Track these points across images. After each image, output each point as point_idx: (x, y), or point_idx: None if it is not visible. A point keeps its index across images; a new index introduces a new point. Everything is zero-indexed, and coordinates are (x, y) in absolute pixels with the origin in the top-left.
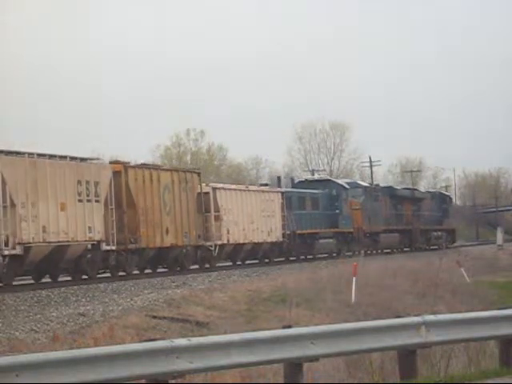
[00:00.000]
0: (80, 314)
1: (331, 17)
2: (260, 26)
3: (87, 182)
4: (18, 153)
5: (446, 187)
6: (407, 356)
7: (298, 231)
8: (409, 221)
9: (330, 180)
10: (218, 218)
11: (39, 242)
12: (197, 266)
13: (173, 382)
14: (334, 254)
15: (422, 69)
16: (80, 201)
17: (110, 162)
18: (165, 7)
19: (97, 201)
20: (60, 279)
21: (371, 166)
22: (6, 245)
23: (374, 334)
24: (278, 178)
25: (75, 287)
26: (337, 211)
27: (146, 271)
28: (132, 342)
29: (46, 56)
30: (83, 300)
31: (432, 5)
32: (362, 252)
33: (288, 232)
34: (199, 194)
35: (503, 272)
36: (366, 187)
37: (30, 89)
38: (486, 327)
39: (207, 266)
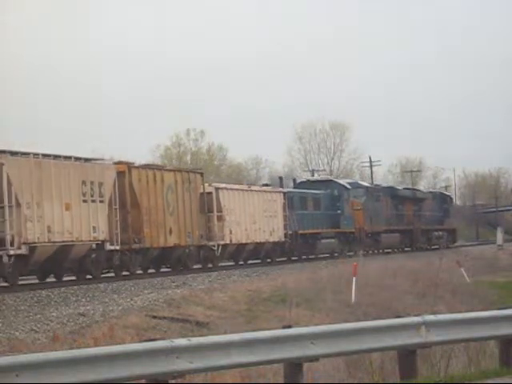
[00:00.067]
0: (80, 314)
1: (331, 17)
2: (260, 26)
3: (91, 183)
4: (23, 153)
5: (446, 187)
6: (407, 356)
7: (300, 231)
8: (410, 221)
9: (331, 180)
10: (220, 218)
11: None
12: (199, 266)
13: (173, 381)
14: (336, 254)
15: (421, 69)
16: (84, 201)
17: (114, 163)
18: (165, 7)
19: (101, 201)
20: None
21: (371, 166)
22: (12, 245)
23: (374, 334)
24: (280, 178)
25: (75, 287)
26: (338, 211)
27: (150, 271)
28: (132, 342)
29: (46, 56)
30: (83, 300)
31: (432, 5)
32: (361, 252)
33: (290, 232)
34: (202, 194)
35: (503, 272)
36: (367, 187)
37: (30, 89)
38: (485, 327)
39: (210, 265)
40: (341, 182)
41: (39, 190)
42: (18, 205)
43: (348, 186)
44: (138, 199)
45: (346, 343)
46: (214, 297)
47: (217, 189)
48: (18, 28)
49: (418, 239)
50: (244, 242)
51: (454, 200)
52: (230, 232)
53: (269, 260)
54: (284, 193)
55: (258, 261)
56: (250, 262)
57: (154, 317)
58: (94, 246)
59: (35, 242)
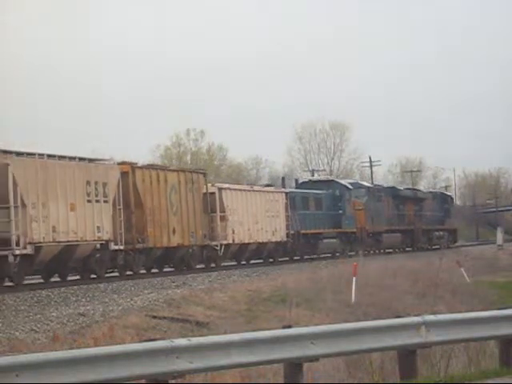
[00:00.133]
0: (80, 314)
1: (331, 17)
2: (260, 26)
3: (96, 183)
4: (28, 154)
5: (446, 187)
6: (407, 356)
7: (302, 231)
8: (411, 221)
9: (333, 180)
10: (223, 218)
11: (49, 242)
12: (202, 266)
13: (173, 381)
14: (338, 254)
15: (421, 69)
16: (89, 201)
17: (118, 163)
18: (165, 7)
19: (105, 201)
20: (56, 279)
21: (371, 166)
22: (17, 244)
23: (374, 334)
24: (283, 178)
25: (75, 287)
26: (340, 211)
27: (153, 271)
28: (132, 342)
29: (46, 56)
30: (83, 300)
31: (432, 5)
32: (361, 252)
33: (292, 232)
34: (205, 194)
35: (503, 272)
36: (369, 187)
37: (30, 89)
38: (485, 327)
39: (213, 265)
40: (342, 182)
41: (44, 190)
42: (24, 205)
43: (350, 186)
44: (142, 199)
45: (346, 343)
46: (214, 297)
47: (220, 189)
48: (18, 28)
49: (419, 239)
50: (246, 241)
51: (455, 200)
52: (233, 232)
53: (271, 260)
54: (286, 193)
55: (261, 261)
56: (252, 261)
57: (154, 317)
58: (98, 245)
59: (40, 242)
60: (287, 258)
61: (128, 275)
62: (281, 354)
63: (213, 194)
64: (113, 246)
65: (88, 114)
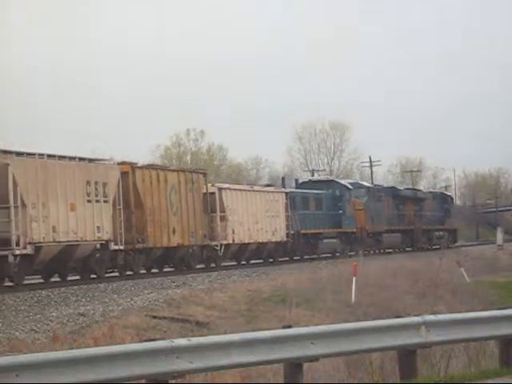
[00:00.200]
0: (80, 314)
1: (331, 17)
2: (260, 26)
3: (96, 183)
4: (28, 154)
5: (446, 187)
6: (407, 356)
7: (302, 231)
8: (411, 221)
9: (333, 180)
10: (223, 218)
11: (49, 242)
12: (202, 266)
13: (173, 381)
14: (338, 254)
15: (421, 69)
16: (89, 201)
17: (118, 163)
18: (165, 7)
19: (105, 201)
20: (56, 279)
21: (371, 166)
22: (17, 244)
23: (374, 334)
24: (283, 178)
25: (75, 287)
26: (340, 211)
27: (153, 271)
28: (132, 342)
29: (46, 56)
30: (83, 300)
31: (432, 5)
32: (361, 252)
33: (292, 232)
34: (205, 194)
35: (503, 272)
36: (369, 188)
37: (30, 89)
38: (485, 327)
39: (213, 265)
40: (342, 182)
41: (44, 190)
42: (24, 205)
43: (350, 186)
44: (142, 199)
45: (346, 343)
46: (214, 297)
47: (220, 189)
48: (18, 28)
49: (419, 239)
50: (247, 241)
51: (455, 200)
52: (233, 232)
53: (271, 260)
54: (286, 193)
55: (261, 261)
56: (252, 261)
57: (154, 317)
58: (98, 245)
59: (40, 242)
60: (287, 258)
61: (128, 275)
62: (281, 354)
63: (213, 193)
64: (113, 246)
65: (88, 114)
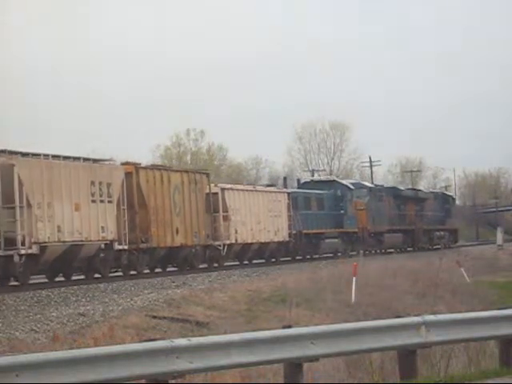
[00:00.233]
0: (80, 314)
1: (331, 17)
2: (260, 26)
3: (100, 183)
4: (33, 154)
5: (446, 187)
6: (407, 356)
7: (304, 231)
8: (412, 221)
9: (335, 181)
10: (226, 218)
11: (54, 242)
12: (205, 266)
13: (173, 381)
14: (339, 254)
15: (421, 69)
16: (93, 201)
17: (122, 163)
18: (165, 7)
19: (109, 201)
20: (58, 279)
21: (371, 166)
22: (23, 244)
23: (374, 334)
24: (285, 178)
25: (75, 287)
26: (342, 211)
27: (156, 270)
28: (132, 342)
29: (46, 56)
30: (83, 300)
31: (432, 5)
32: (361, 252)
33: (294, 232)
34: (208, 194)
35: (503, 272)
36: (370, 188)
37: (30, 89)
38: (486, 327)
39: (216, 265)
40: (344, 182)
41: (49, 190)
42: (29, 205)
43: (351, 187)
44: (146, 199)
45: (346, 343)
46: (214, 297)
47: (222, 189)
48: (18, 28)
49: (420, 239)
50: (249, 241)
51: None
52: (236, 232)
53: (273, 260)
54: (288, 193)
55: (263, 260)
56: (254, 261)
57: (154, 317)
58: (102, 245)
59: (46, 242)
60: (289, 258)
61: (132, 275)
62: (281, 354)
63: (215, 194)
64: (117, 246)
65: (88, 114)
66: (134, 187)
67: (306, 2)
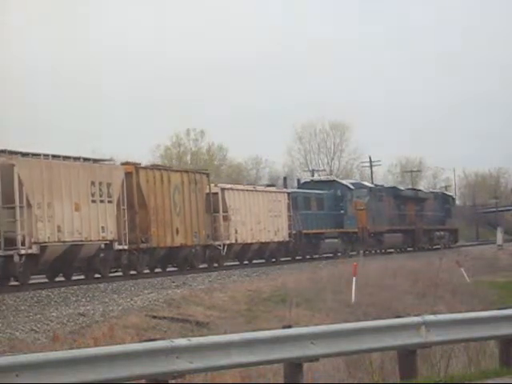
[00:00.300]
0: (80, 314)
1: (331, 17)
2: (260, 26)
3: (100, 183)
4: (33, 154)
5: (446, 187)
6: (407, 356)
7: (304, 231)
8: (412, 221)
9: (335, 181)
10: (226, 218)
11: (54, 242)
12: (205, 266)
13: (173, 381)
14: (339, 254)
15: (421, 69)
16: (93, 201)
17: (122, 163)
18: (165, 7)
19: (109, 201)
20: (58, 279)
21: (371, 166)
22: (23, 244)
23: (374, 334)
24: (285, 178)
25: (75, 287)
26: (342, 211)
27: (156, 270)
28: (132, 342)
29: (46, 56)
30: (83, 300)
31: (432, 5)
32: (361, 252)
33: (294, 232)
34: (208, 194)
35: (503, 272)
36: (370, 188)
37: (30, 89)
38: (486, 327)
39: (215, 265)
40: (344, 182)
41: (49, 190)
42: (29, 205)
43: (351, 187)
44: (146, 199)
45: (346, 343)
46: (214, 297)
47: (222, 189)
48: (18, 28)
49: (420, 239)
50: (249, 241)
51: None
52: (236, 232)
53: (273, 260)
54: (288, 193)
55: (263, 260)
56: (254, 261)
57: (154, 317)
58: (102, 245)
59: (46, 242)
60: (289, 258)
61: (132, 275)
62: (281, 354)
63: (216, 194)
64: (117, 246)
65: (88, 114)
66: (134, 187)
67: (306, 2)
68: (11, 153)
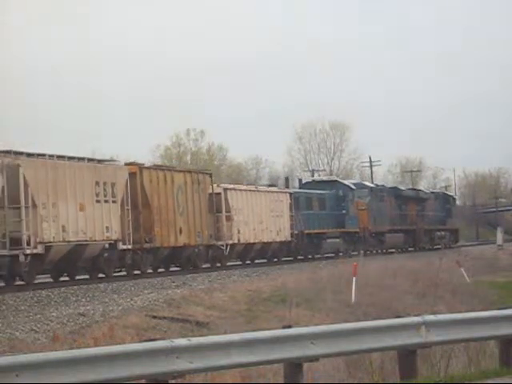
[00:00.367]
0: (80, 314)
1: (331, 17)
2: (260, 26)
3: (104, 183)
4: (39, 154)
5: (446, 187)
6: (407, 356)
7: (306, 231)
8: (413, 221)
9: (336, 181)
10: (229, 218)
11: (59, 242)
12: (208, 265)
13: (173, 381)
14: (341, 254)
15: (421, 69)
16: (98, 201)
17: (126, 164)
18: (165, 7)
19: (114, 201)
20: (63, 279)
21: (371, 166)
22: (28, 244)
23: (374, 334)
24: (286, 178)
25: (75, 287)
26: (343, 211)
27: (159, 270)
28: (132, 342)
29: (46, 56)
30: (83, 300)
31: (432, 5)
32: (362, 252)
33: (296, 232)
34: (211, 194)
35: (503, 272)
36: (371, 188)
37: (30, 89)
38: (486, 327)
39: (218, 265)
40: (346, 182)
41: (54, 190)
42: (34, 205)
43: (353, 187)
44: (149, 199)
45: (346, 343)
46: (214, 297)
47: (225, 189)
48: (18, 28)
49: (421, 239)
50: (252, 241)
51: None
52: (238, 232)
53: (275, 260)
54: (290, 193)
55: (264, 260)
56: (256, 261)
57: (154, 317)
58: (106, 245)
59: (51, 242)
60: (291, 258)
61: (136, 274)
62: (281, 354)
63: (218, 194)
64: (121, 246)
65: (88, 114)
66: (137, 187)
67: (306, 2)
68: (16, 153)
